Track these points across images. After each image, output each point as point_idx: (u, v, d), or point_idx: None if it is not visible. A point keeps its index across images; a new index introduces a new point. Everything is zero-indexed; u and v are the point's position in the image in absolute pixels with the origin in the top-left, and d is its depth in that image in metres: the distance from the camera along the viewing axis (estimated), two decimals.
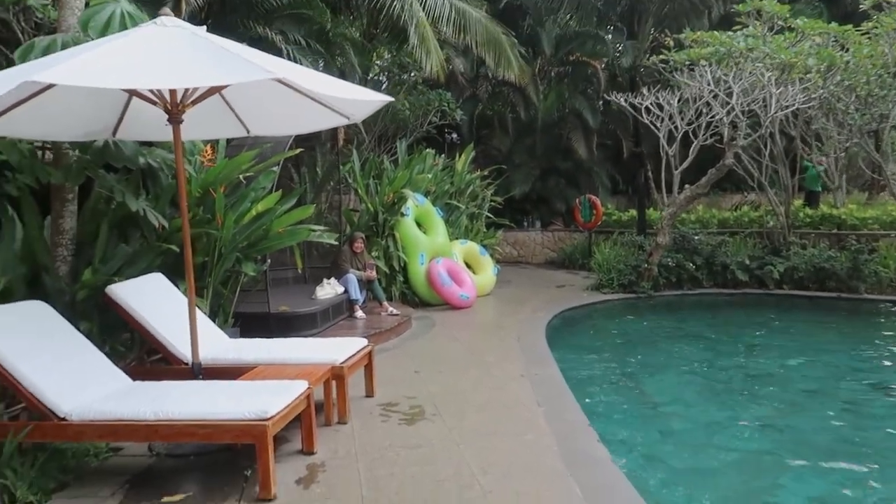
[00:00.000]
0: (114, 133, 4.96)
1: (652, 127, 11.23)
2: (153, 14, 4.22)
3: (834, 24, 10.48)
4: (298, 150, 7.22)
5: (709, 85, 10.22)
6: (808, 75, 10.00)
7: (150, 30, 3.75)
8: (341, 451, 4.18)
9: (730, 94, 10.06)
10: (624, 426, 5.28)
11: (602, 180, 16.42)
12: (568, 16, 15.78)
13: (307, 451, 4.13)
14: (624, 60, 15.92)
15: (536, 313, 8.99)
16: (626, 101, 11.31)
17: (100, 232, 5.35)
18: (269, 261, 6.92)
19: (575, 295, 10.55)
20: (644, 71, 14.28)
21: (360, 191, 9.91)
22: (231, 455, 4.10)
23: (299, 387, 3.97)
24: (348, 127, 11.49)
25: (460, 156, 12.58)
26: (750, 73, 9.85)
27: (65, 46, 4.52)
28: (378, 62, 13.30)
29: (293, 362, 4.72)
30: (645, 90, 11.29)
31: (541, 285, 11.64)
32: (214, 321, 6.05)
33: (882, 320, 9.34)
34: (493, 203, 13.04)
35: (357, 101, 4.63)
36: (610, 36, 16.10)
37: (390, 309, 8.35)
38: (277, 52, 9.01)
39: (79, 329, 4.88)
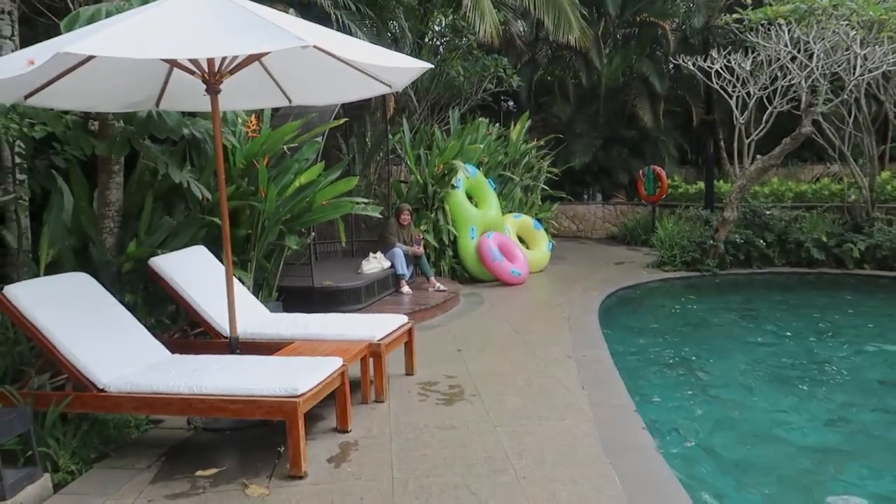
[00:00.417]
0: (157, 104, 5.07)
1: (722, 92, 10.77)
2: None
3: None
4: (343, 120, 7.23)
5: (786, 46, 9.69)
6: None
7: None
8: (375, 431, 4.23)
9: (810, 56, 9.53)
10: (676, 413, 5.17)
11: (669, 150, 16.10)
12: None
13: (341, 429, 4.20)
14: (696, 20, 15.37)
15: (590, 292, 8.90)
16: (694, 64, 10.86)
17: (145, 204, 5.55)
18: (313, 234, 7.06)
19: (633, 273, 10.37)
20: (718, 31, 13.70)
21: (409, 162, 9.91)
22: (267, 431, 4.21)
23: (333, 364, 4.02)
24: (400, 95, 11.54)
25: (515, 125, 12.42)
26: (833, 32, 9.28)
27: (109, 15, 4.62)
28: (436, 27, 13.19)
29: (330, 338, 4.79)
30: (714, 52, 10.81)
31: (598, 262, 11.51)
32: (258, 295, 6.25)
33: None
34: (549, 175, 12.90)
35: (396, 68, 4.58)
36: None
37: (438, 285, 8.39)
38: (326, 17, 9.04)
39: (124, 301, 5.13)
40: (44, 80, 4.27)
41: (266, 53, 4.52)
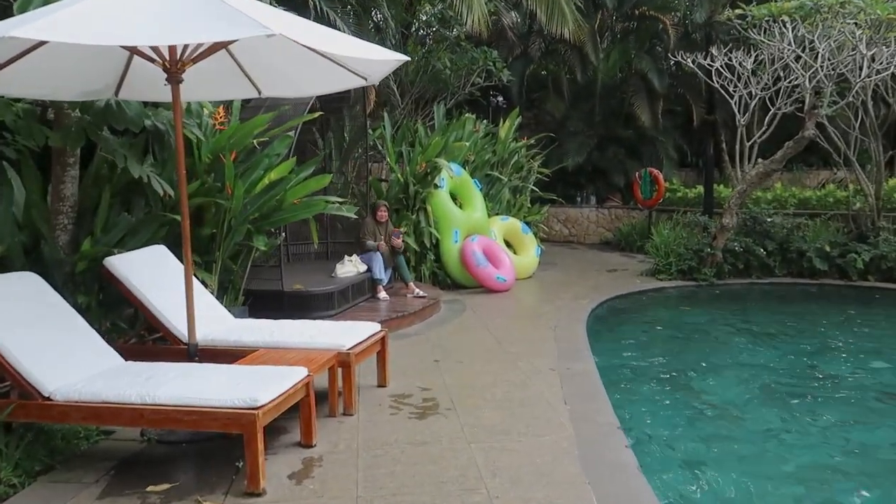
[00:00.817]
0: (116, 92, 5.06)
1: (722, 91, 10.86)
2: None
3: None
4: (318, 114, 7.28)
5: (790, 45, 9.80)
6: None
7: None
8: (342, 445, 4.23)
9: (814, 56, 9.64)
10: (664, 431, 5.19)
11: (667, 151, 16.09)
12: None
13: (305, 443, 4.19)
14: (698, 15, 15.47)
15: (579, 300, 8.93)
16: (694, 62, 10.95)
17: (102, 199, 5.49)
18: (283, 234, 7.05)
19: (626, 281, 10.42)
20: (720, 27, 13.80)
21: (390, 159, 9.94)
22: (226, 444, 4.20)
23: (297, 374, 4.02)
24: (381, 88, 11.56)
25: (505, 122, 12.47)
26: (839, 31, 9.40)
27: None
28: (422, 16, 13.21)
29: (297, 346, 4.79)
30: (714, 50, 10.90)
31: (589, 269, 11.54)
32: (223, 299, 6.21)
33: None
34: (540, 175, 12.94)
35: (371, 60, 4.60)
36: None
37: (417, 290, 8.39)
38: (304, 4, 9.03)
39: (77, 303, 5.12)
40: None
41: (231, 42, 4.51)
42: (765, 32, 10.41)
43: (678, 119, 16.83)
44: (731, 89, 10.90)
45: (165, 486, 3.69)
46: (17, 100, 5.11)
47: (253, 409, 3.57)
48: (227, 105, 6.86)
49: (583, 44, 14.78)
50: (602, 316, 8.59)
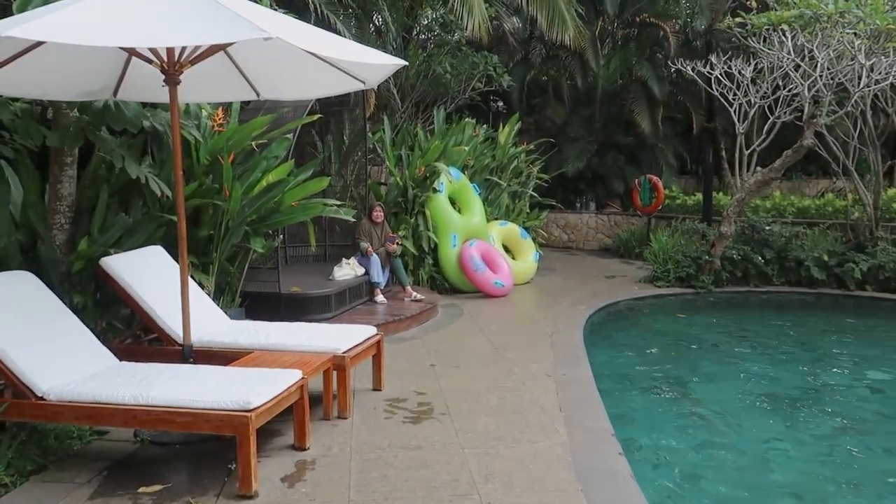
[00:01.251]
0: (115, 93, 5.07)
1: (721, 100, 10.88)
2: None
3: None
4: (318, 116, 7.28)
5: (789, 54, 9.82)
6: None
7: None
8: (335, 449, 4.23)
9: (814, 65, 9.66)
10: (660, 439, 5.19)
11: (667, 159, 16.10)
12: None
13: (299, 446, 4.19)
14: (698, 22, 15.50)
15: (577, 306, 8.93)
16: (694, 69, 10.97)
17: (99, 199, 5.49)
18: (280, 237, 7.04)
19: (624, 287, 10.43)
20: (720, 35, 13.82)
21: (389, 162, 9.92)
22: (219, 446, 4.19)
23: (291, 377, 4.02)
24: (381, 92, 11.55)
25: (504, 126, 12.44)
26: (838, 41, 9.42)
27: None
28: (423, 21, 13.23)
29: (291, 349, 4.79)
30: (714, 58, 10.93)
31: (588, 275, 11.55)
32: (219, 300, 6.22)
33: None
34: (539, 181, 12.93)
35: (369, 64, 4.61)
36: None
37: (414, 294, 8.40)
38: (305, 7, 9.05)
39: (73, 303, 5.11)
40: None
41: (229, 44, 4.52)
42: (764, 41, 10.44)
43: (678, 126, 16.85)
44: (730, 97, 10.93)
45: (157, 488, 3.69)
46: (16, 99, 5.11)
47: (246, 411, 3.57)
48: (226, 107, 6.87)
49: (583, 50, 14.79)
50: (599, 322, 8.60)
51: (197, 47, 4.30)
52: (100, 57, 4.65)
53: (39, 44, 4.18)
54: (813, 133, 9.95)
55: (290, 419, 4.22)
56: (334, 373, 4.73)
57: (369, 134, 9.98)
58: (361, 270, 8.20)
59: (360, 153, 9.88)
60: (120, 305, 5.57)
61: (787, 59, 9.96)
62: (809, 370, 7.14)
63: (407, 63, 4.88)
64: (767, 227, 10.85)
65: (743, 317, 9.64)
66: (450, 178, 9.81)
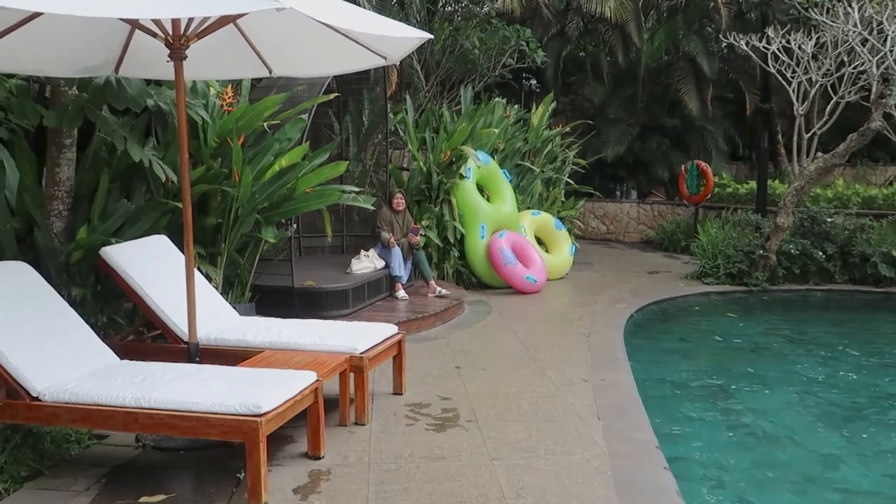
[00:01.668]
0: (116, 69, 5.07)
1: (780, 78, 10.68)
2: None
3: None
4: (334, 95, 7.26)
5: (855, 27, 9.59)
6: None
7: None
8: (352, 458, 4.21)
9: (883, 40, 9.42)
10: (707, 452, 5.12)
11: (717, 143, 16.00)
12: None
13: (313, 454, 4.18)
14: None
15: (617, 305, 8.87)
16: (748, 44, 10.78)
17: (100, 184, 5.52)
18: (294, 226, 7.08)
19: (669, 284, 10.34)
20: (778, 7, 13.59)
21: (412, 146, 9.91)
22: (226, 452, 4.19)
23: (305, 379, 4.01)
24: (404, 69, 11.56)
25: (538, 107, 12.39)
26: None
27: None
28: None
29: (306, 348, 4.78)
30: (771, 31, 10.72)
31: (629, 270, 11.49)
32: (228, 294, 6.29)
33: None
34: (576, 167, 12.89)
35: (390, 37, 4.57)
36: None
37: (439, 289, 8.37)
38: None
39: (71, 295, 5.17)
40: None
41: (240, 16, 4.50)
42: (828, 12, 10.24)
43: (729, 107, 16.72)
44: (788, 75, 10.75)
45: (160, 498, 3.69)
46: (10, 76, 5.15)
47: (256, 416, 3.56)
48: (236, 85, 6.90)
49: (625, 23, 14.67)
50: (641, 323, 8.53)
51: (205, 19, 4.28)
52: (100, 29, 4.65)
53: (35, 15, 4.19)
54: (881, 115, 9.73)
55: (304, 425, 4.21)
56: (351, 375, 4.71)
57: (390, 115, 9.96)
58: (381, 263, 8.18)
59: (380, 135, 9.88)
60: (122, 299, 5.63)
61: (853, 32, 9.73)
62: (875, 378, 7.00)
63: (432, 36, 4.83)
64: (829, 219, 10.69)
65: (801, 318, 9.50)
66: (478, 163, 9.77)
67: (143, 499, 3.68)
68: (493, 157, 10.45)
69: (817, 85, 10.45)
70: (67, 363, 4.06)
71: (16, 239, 5.20)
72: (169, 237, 5.54)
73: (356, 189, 7.22)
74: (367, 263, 8.07)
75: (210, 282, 5.83)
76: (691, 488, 4.30)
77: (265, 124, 6.43)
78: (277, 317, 5.65)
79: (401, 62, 11.31)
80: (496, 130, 10.69)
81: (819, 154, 10.40)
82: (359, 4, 8.97)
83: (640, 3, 15.49)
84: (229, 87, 6.57)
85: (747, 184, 14.16)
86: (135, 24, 4.35)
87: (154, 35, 4.29)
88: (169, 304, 4.96)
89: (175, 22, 4.25)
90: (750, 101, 15.88)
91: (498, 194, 10.15)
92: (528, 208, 11.13)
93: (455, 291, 8.71)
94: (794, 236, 10.53)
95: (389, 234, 8.32)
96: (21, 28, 4.25)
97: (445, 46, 11.99)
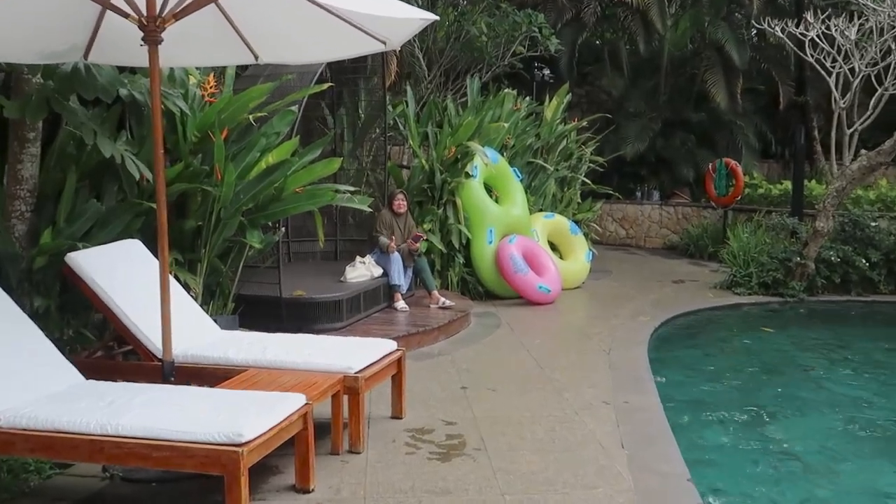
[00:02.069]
0: (85, 55, 4.99)
1: (818, 67, 10.58)
2: None
3: None
4: (327, 85, 7.25)
5: None
6: None
7: None
8: (346, 491, 4.11)
9: None
10: (746, 485, 4.99)
11: (748, 139, 16.13)
12: None
13: (301, 487, 4.07)
14: None
15: (639, 318, 8.84)
16: (783, 31, 10.70)
17: (66, 183, 5.45)
18: (282, 230, 7.07)
19: (697, 294, 10.35)
20: None
21: (413, 142, 9.88)
22: (204, 485, 4.07)
23: (292, 403, 3.91)
24: (404, 57, 11.62)
25: (552, 100, 12.41)
26: None
27: None
28: None
29: (294, 367, 4.70)
30: (809, 16, 10.62)
31: (651, 279, 11.51)
32: (209, 306, 6.24)
33: None
34: (593, 165, 12.90)
35: (390, 19, 4.48)
36: None
37: (442, 300, 8.34)
38: None
39: (33, 306, 5.12)
40: None
41: None
42: None
43: (761, 100, 16.87)
44: (828, 64, 10.63)
45: None
46: None
47: (236, 445, 3.44)
48: (220, 73, 6.84)
49: (647, 8, 14.73)
50: (667, 337, 8.49)
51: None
52: (67, 10, 4.56)
53: None
54: None
55: (291, 453, 4.10)
56: (345, 397, 4.62)
57: (389, 107, 9.95)
58: (379, 271, 8.13)
59: (378, 130, 9.89)
60: (90, 310, 5.57)
61: None
62: None
63: (438, 18, 4.73)
64: (873, 224, 10.73)
65: (843, 332, 9.44)
66: (485, 161, 9.74)
67: None
68: (503, 155, 10.41)
69: (860, 75, 10.35)
70: (25, 384, 3.94)
71: None
72: (143, 242, 5.48)
73: (351, 189, 7.19)
74: (363, 271, 8.00)
75: (189, 291, 5.79)
76: None
77: (251, 117, 6.35)
78: (263, 330, 5.62)
79: (401, 50, 11.31)
80: (505, 125, 10.68)
81: (863, 152, 10.27)
82: None
83: None
84: (211, 75, 6.51)
85: (781, 184, 14.28)
86: (105, 4, 4.24)
87: (126, 16, 4.20)
88: (141, 317, 4.87)
89: (150, 1, 4.16)
90: (783, 94, 15.94)
91: (507, 195, 10.12)
92: (541, 210, 11.13)
93: (460, 302, 8.66)
94: (835, 242, 10.52)
95: (389, 240, 8.23)
96: None
97: (450, 33, 12.02)
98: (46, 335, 4.38)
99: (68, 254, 4.95)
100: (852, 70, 10.49)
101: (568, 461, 4.57)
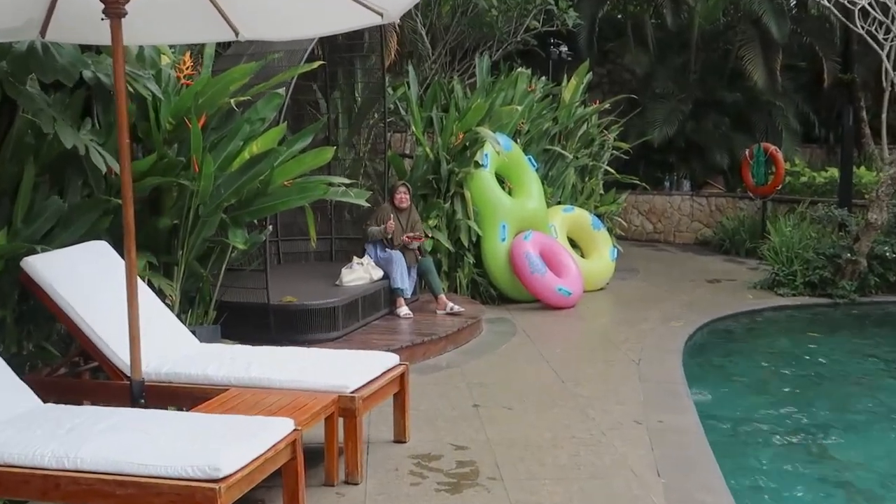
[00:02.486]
0: (42, 32, 4.89)
1: (869, 40, 10.38)
2: None
3: None
4: (319, 64, 7.23)
5: None
6: None
7: None
8: None
9: None
10: None
11: (788, 122, 16.15)
12: None
13: None
14: None
15: (671, 323, 8.79)
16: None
17: (24, 177, 5.35)
18: (269, 228, 7.00)
19: (734, 296, 10.31)
20: None
21: (416, 128, 9.83)
22: None
23: (279, 429, 3.77)
24: (406, 34, 11.72)
25: (570, 80, 12.35)
26: None
27: None
28: None
29: (281, 386, 4.61)
30: None
31: (683, 279, 11.47)
32: (188, 315, 6.24)
33: None
34: (616, 152, 12.88)
35: None
36: None
37: (450, 305, 8.27)
38: None
39: None
40: None
41: None
42: None
43: (802, 78, 16.93)
44: (880, 36, 10.42)
45: None
46: None
47: (213, 481, 3.29)
48: (198, 52, 6.76)
49: None
50: (702, 345, 8.44)
51: None
52: None
53: None
54: None
55: (279, 485, 3.97)
56: (340, 420, 4.51)
57: (389, 90, 9.92)
58: (379, 273, 8.07)
59: (377, 115, 9.84)
60: (54, 321, 5.45)
61: None
62: None
63: None
64: None
65: None
66: (497, 149, 9.65)
67: None
68: (516, 141, 10.38)
69: None
70: None
71: None
72: (111, 243, 5.42)
73: (346, 181, 7.08)
74: (361, 274, 7.94)
75: (164, 299, 5.72)
76: None
77: (232, 101, 6.26)
78: (248, 342, 5.60)
79: (402, 25, 11.30)
80: (519, 108, 10.62)
81: None
82: None
83: None
84: (187, 54, 6.41)
85: (825, 171, 14.31)
86: None
87: None
88: (108, 329, 4.77)
89: None
90: (828, 71, 15.94)
91: (522, 186, 10.08)
92: (559, 203, 11.11)
93: (470, 307, 8.61)
94: (889, 236, 10.46)
95: (384, 227, 8.18)
96: None
97: (456, 7, 12.14)
98: (1, 351, 4.31)
99: (24, 258, 4.85)
100: None
101: (595, 491, 4.47)
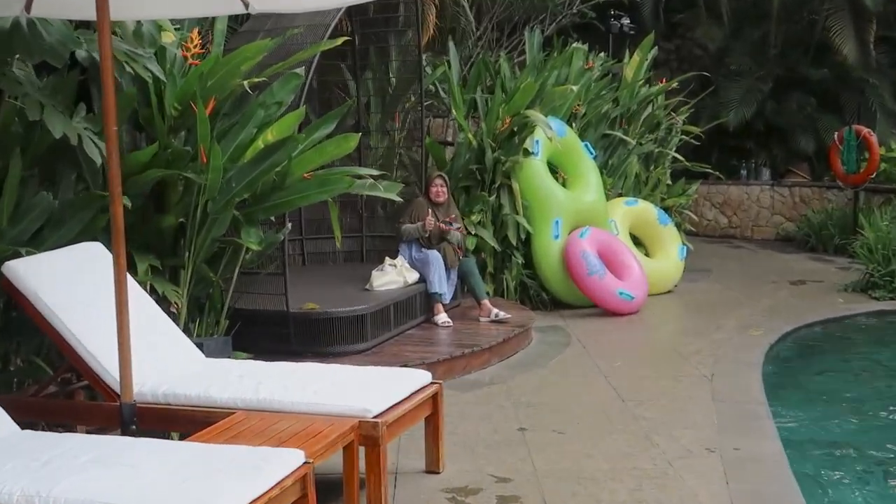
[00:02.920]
0: (27, 7, 4.84)
1: None
2: None
3: None
4: (343, 39, 7.12)
5: None
6: None
7: None
8: None
9: None
10: None
11: (883, 101, 15.98)
12: None
13: None
14: None
15: (749, 331, 8.68)
16: None
17: (10, 171, 5.34)
18: (289, 225, 6.98)
19: (822, 300, 10.28)
20: None
21: (457, 112, 9.75)
22: None
23: (286, 462, 3.59)
24: (447, 7, 11.77)
25: (632, 56, 12.26)
26: None
27: None
28: None
29: (293, 409, 4.48)
30: None
31: (763, 280, 11.44)
32: (195, 323, 6.24)
33: None
34: (685, 137, 12.78)
35: None
36: None
37: (495, 312, 8.21)
38: None
39: None
40: None
41: None
42: None
43: None
44: None
45: None
46: None
47: None
48: (208, 29, 6.78)
49: None
50: (787, 357, 8.32)
51: None
52: None
53: None
54: None
55: None
56: (361, 449, 4.36)
57: (427, 69, 9.95)
58: (414, 276, 8.03)
59: (413, 98, 9.81)
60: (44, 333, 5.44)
61: None
62: None
63: None
64: None
65: None
66: (549, 135, 9.53)
67: None
68: (571, 126, 10.35)
69: None
70: None
71: None
72: (107, 244, 5.26)
73: (375, 172, 7.05)
74: (394, 277, 7.91)
75: (170, 307, 5.72)
76: None
77: (245, 83, 6.21)
78: (264, 355, 5.58)
79: None
80: (574, 88, 10.54)
81: None
82: None
83: None
84: (195, 31, 6.38)
85: None
86: None
87: None
88: (99, 343, 4.70)
89: None
90: None
91: (578, 177, 10.04)
92: (621, 195, 11.10)
93: (518, 314, 8.55)
94: None
95: (423, 223, 8.13)
96: None
97: None
98: None
99: (6, 263, 4.82)
100: None
101: None
